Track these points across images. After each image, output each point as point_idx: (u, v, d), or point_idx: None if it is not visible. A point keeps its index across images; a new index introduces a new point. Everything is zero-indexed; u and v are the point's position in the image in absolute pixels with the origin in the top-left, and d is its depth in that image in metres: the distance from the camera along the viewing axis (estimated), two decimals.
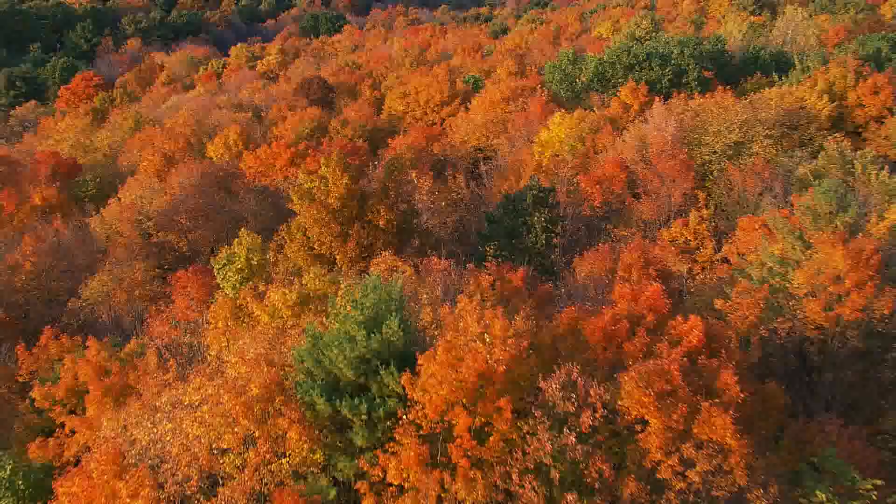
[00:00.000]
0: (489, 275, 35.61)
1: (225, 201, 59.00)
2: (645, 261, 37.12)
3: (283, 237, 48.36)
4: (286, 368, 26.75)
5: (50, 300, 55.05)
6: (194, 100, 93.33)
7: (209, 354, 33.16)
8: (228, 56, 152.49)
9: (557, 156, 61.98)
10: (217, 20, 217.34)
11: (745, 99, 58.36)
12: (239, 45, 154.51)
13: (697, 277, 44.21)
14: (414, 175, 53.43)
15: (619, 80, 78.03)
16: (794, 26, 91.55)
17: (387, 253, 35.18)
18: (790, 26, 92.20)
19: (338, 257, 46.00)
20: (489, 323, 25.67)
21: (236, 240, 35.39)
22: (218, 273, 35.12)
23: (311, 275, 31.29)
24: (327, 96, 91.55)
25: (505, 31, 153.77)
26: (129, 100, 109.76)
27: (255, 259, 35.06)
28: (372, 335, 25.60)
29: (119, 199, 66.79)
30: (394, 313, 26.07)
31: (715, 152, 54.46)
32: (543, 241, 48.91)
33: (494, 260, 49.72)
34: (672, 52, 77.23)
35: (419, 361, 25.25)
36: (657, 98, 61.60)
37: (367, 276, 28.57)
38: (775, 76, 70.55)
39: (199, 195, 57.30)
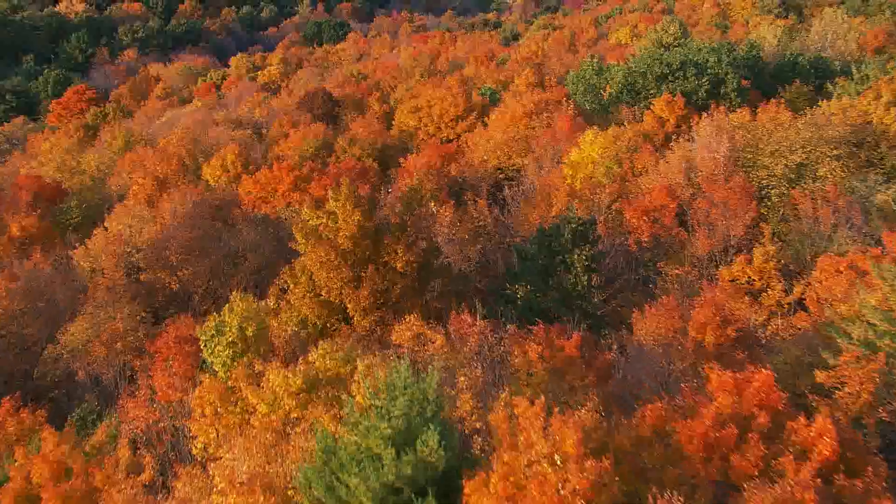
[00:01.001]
0: (536, 342, 29.18)
1: (221, 233, 52.69)
2: (722, 319, 30.65)
3: (286, 281, 42.18)
4: (290, 491, 20.33)
5: (24, 349, 48.78)
6: (190, 115, 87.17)
7: (195, 446, 26.81)
8: (228, 66, 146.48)
9: (591, 178, 55.60)
10: (217, 28, 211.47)
11: (806, 114, 51.96)
12: (239, 55, 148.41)
13: (769, 327, 37.70)
14: (433, 206, 47.07)
15: (651, 92, 71.72)
16: (833, 30, 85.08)
17: (412, 317, 28.78)
18: (829, 30, 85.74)
19: (349, 306, 39.69)
20: (559, 437, 19.28)
21: (226, 306, 28.92)
22: (205, 346, 28.67)
23: (321, 352, 24.95)
24: (332, 111, 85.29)
25: (516, 37, 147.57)
26: (123, 115, 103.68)
27: (249, 330, 28.64)
28: (403, 454, 19.26)
29: (105, 228, 60.70)
30: (431, 423, 19.70)
31: (774, 175, 48.00)
32: (585, 283, 42.49)
33: (524, 300, 43.69)
34: (708, 60, 70.89)
35: (466, 490, 18.92)
36: (702, 113, 55.17)
37: (391, 363, 22.16)
38: (830, 86, 64.07)
39: (192, 228, 51.02)
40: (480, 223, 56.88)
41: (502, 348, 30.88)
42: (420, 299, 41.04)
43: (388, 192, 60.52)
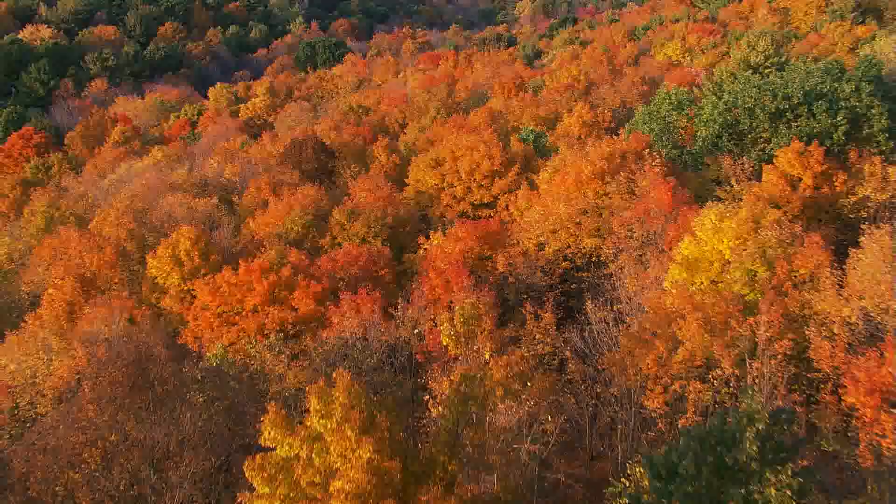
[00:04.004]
0: None
1: (149, 404, 32.89)
2: None
3: None
4: None
5: None
6: (142, 176, 67.46)
7: None
8: (207, 98, 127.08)
9: (722, 287, 36.03)
10: (200, 52, 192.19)
11: None
12: (219, 85, 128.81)
13: None
14: (504, 416, 27.48)
15: (762, 135, 52.33)
16: None
17: None
18: None
19: None
20: None
21: None
22: None
23: None
24: (326, 165, 65.80)
25: (538, 55, 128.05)
26: (71, 167, 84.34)
27: None
28: None
29: None
30: None
31: None
32: None
33: None
34: (843, 90, 51.44)
35: None
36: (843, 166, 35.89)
37: None
38: None
39: (100, 401, 31.43)
40: (549, 347, 37.48)
41: None
42: None
43: (408, 305, 40.98)
